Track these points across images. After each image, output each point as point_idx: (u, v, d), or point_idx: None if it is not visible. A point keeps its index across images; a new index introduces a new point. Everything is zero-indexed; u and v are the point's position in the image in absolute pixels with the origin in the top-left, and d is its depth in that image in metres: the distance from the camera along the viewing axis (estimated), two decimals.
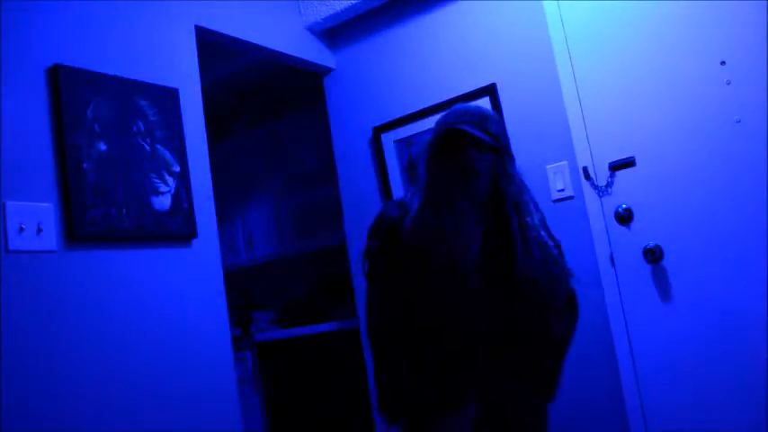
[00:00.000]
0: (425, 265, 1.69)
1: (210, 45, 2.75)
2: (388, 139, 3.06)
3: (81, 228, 1.97)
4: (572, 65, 2.58)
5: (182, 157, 2.32)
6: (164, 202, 2.23)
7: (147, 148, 2.23)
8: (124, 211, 2.10)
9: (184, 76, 2.45)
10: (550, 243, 1.78)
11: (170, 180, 2.27)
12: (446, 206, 1.70)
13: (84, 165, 2.03)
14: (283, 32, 3.02)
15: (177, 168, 2.30)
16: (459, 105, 1.85)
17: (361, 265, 1.85)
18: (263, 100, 4.70)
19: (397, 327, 1.76)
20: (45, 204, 1.93)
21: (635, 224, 2.44)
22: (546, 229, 1.84)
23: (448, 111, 1.82)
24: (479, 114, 1.77)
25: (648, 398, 2.40)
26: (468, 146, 1.72)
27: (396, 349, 1.75)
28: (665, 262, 2.39)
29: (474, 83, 2.83)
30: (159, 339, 2.13)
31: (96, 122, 2.09)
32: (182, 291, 2.24)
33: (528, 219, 1.73)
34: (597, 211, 2.52)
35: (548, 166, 2.64)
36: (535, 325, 1.72)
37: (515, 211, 1.72)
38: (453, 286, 1.67)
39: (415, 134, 2.96)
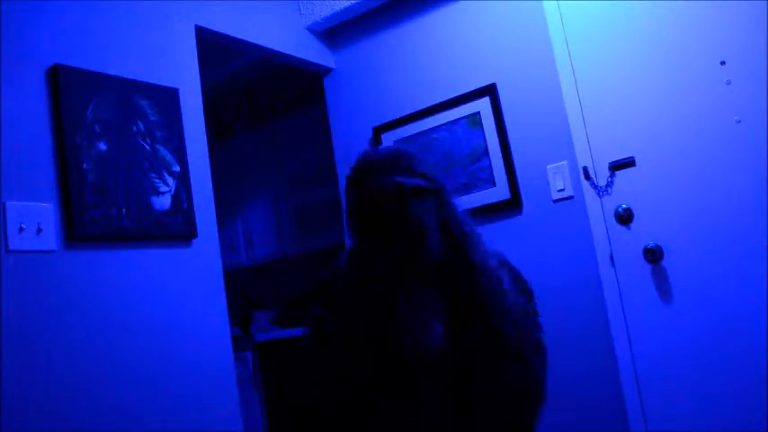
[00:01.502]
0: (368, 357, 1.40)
1: (210, 45, 2.74)
2: (388, 139, 3.06)
3: (81, 228, 1.97)
4: (572, 65, 2.58)
5: (182, 157, 2.32)
6: (164, 202, 2.23)
7: (147, 148, 2.23)
8: (124, 210, 2.10)
9: (184, 76, 2.45)
10: (520, 300, 1.51)
11: (170, 180, 2.27)
12: (394, 283, 1.39)
13: (84, 165, 2.03)
14: (283, 32, 3.02)
15: (177, 168, 2.30)
16: (368, 154, 1.49)
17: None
18: (263, 100, 4.70)
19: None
20: (45, 204, 1.93)
21: (635, 224, 2.44)
22: (506, 267, 1.55)
23: (355, 165, 1.48)
24: (399, 156, 1.46)
25: (648, 398, 2.40)
26: (407, 199, 1.38)
27: None
28: (665, 262, 2.38)
29: (474, 83, 2.83)
30: (159, 339, 2.13)
31: (96, 122, 2.09)
32: (182, 291, 2.24)
33: (495, 273, 1.45)
34: (597, 211, 2.52)
35: (548, 166, 2.64)
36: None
37: (481, 266, 1.43)
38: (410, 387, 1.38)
39: (415, 134, 2.96)
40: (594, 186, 2.52)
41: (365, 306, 1.40)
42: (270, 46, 2.92)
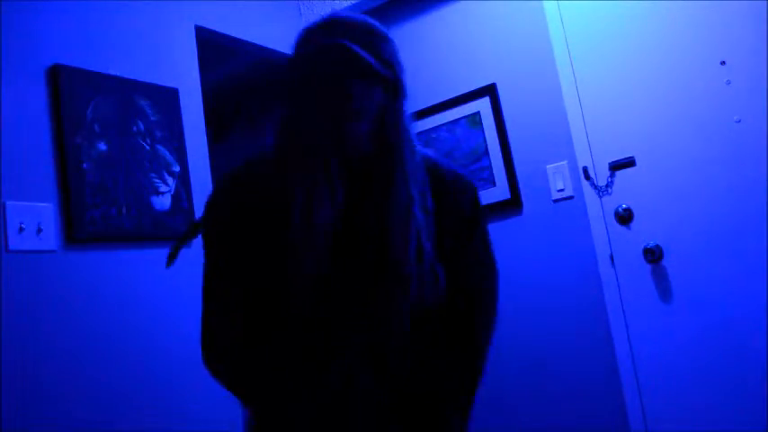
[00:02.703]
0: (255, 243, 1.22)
1: (210, 45, 2.74)
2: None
3: (81, 228, 1.97)
4: (572, 65, 2.58)
5: (182, 157, 2.32)
6: (164, 202, 2.23)
7: (147, 147, 2.23)
8: (124, 210, 2.10)
9: (184, 76, 2.45)
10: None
11: (170, 180, 2.27)
12: (298, 167, 1.18)
13: (84, 165, 2.03)
14: (283, 32, 3.02)
15: (177, 168, 2.30)
16: (338, 13, 1.25)
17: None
18: (263, 100, 4.69)
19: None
20: (45, 204, 1.93)
21: (635, 224, 2.44)
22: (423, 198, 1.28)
23: (320, 19, 1.24)
24: (368, 29, 1.21)
25: (648, 398, 2.40)
26: (350, 73, 1.15)
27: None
28: (665, 262, 2.39)
29: (474, 83, 2.83)
30: (159, 339, 2.13)
31: (96, 122, 2.09)
32: (182, 291, 2.24)
33: (413, 192, 1.22)
34: (597, 210, 2.52)
35: (548, 166, 2.64)
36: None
37: (402, 180, 1.21)
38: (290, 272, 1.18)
39: (416, 134, 2.96)
40: (594, 186, 2.52)
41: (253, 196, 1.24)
42: (270, 46, 2.92)
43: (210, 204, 1.34)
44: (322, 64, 1.17)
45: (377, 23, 1.25)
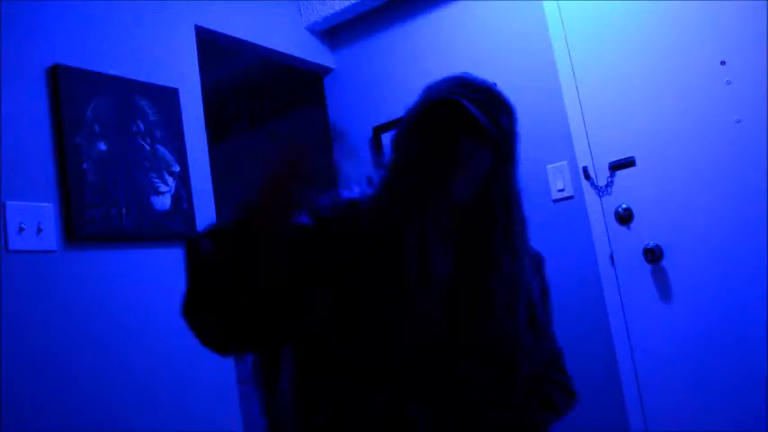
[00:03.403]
0: (363, 275, 1.12)
1: (210, 45, 2.74)
2: (389, 139, 3.05)
3: (81, 228, 1.97)
4: (572, 65, 2.58)
5: (182, 157, 2.32)
6: (164, 201, 2.23)
7: (147, 147, 2.23)
8: (124, 210, 2.10)
9: (184, 76, 2.45)
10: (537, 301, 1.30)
11: (170, 180, 2.27)
12: (415, 201, 1.13)
13: (84, 164, 2.03)
14: (283, 32, 3.02)
15: (177, 168, 2.30)
16: (464, 73, 1.22)
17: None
18: (263, 100, 4.70)
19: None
20: (45, 204, 1.93)
21: (635, 224, 2.44)
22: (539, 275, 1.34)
23: (446, 78, 1.23)
24: (489, 93, 1.19)
25: (648, 398, 2.39)
26: (462, 129, 1.13)
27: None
28: (665, 262, 2.38)
29: None
30: (159, 339, 2.12)
31: (96, 122, 2.09)
32: (182, 291, 2.24)
33: (522, 262, 1.22)
34: (597, 210, 2.52)
35: (548, 166, 2.64)
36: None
37: (506, 243, 1.19)
38: (401, 310, 1.10)
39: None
40: (594, 186, 2.52)
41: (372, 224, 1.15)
42: (270, 46, 2.92)
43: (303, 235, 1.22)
44: (433, 117, 1.15)
45: (502, 92, 1.23)
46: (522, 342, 1.18)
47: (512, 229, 1.21)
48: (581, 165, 2.55)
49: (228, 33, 2.71)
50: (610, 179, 2.50)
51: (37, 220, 1.90)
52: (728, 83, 2.28)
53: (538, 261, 1.36)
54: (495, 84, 1.23)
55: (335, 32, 3.25)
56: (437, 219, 1.14)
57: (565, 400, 1.30)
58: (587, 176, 2.53)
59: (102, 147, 2.10)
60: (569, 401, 1.31)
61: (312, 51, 3.16)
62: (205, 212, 2.39)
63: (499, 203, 1.19)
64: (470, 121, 1.12)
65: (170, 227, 2.22)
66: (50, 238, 1.92)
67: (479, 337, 1.15)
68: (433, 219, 1.13)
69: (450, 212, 1.16)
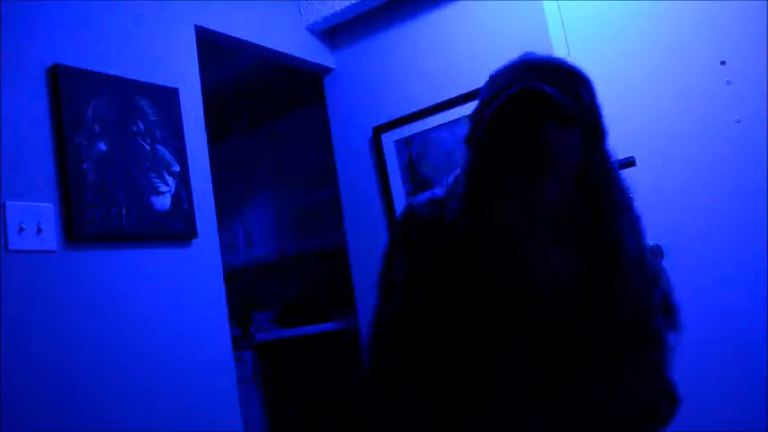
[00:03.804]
0: (480, 296, 1.10)
1: (210, 45, 2.74)
2: (389, 139, 3.05)
3: (81, 228, 1.97)
4: None
5: (182, 157, 2.32)
6: (164, 201, 2.23)
7: (147, 147, 2.23)
8: (124, 210, 2.10)
9: (184, 76, 2.45)
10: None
11: (170, 180, 2.27)
12: (516, 202, 1.08)
13: (84, 164, 2.03)
14: (283, 32, 3.02)
15: (177, 168, 2.30)
16: (530, 55, 1.17)
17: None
18: (263, 100, 4.70)
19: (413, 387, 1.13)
20: (45, 204, 1.93)
21: None
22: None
23: (510, 63, 1.17)
24: (564, 70, 1.13)
25: None
26: (547, 117, 1.05)
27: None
28: (665, 262, 2.38)
29: (474, 83, 2.80)
30: (159, 339, 2.13)
31: (96, 122, 2.09)
32: (182, 291, 2.24)
33: (642, 239, 1.17)
34: None
35: None
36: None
37: (620, 224, 1.13)
38: (532, 332, 1.07)
39: (416, 134, 2.96)
40: None
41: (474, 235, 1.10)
42: (270, 46, 2.92)
43: (404, 231, 1.22)
44: (513, 109, 1.07)
45: (574, 64, 1.15)
46: (657, 315, 1.15)
47: (622, 203, 1.16)
48: None
49: (228, 33, 2.71)
50: None
51: (37, 220, 1.89)
52: (728, 83, 2.28)
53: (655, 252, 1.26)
54: (562, 59, 1.17)
55: (335, 32, 3.25)
56: (542, 218, 1.09)
57: (668, 406, 1.27)
58: None
59: (102, 147, 2.10)
60: (672, 407, 1.27)
61: (312, 51, 3.16)
62: (205, 212, 2.39)
63: (603, 181, 1.13)
64: (555, 105, 1.04)
65: (170, 227, 2.22)
66: (50, 238, 1.92)
67: (614, 308, 1.10)
68: (538, 219, 1.09)
69: (555, 208, 1.10)
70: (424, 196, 1.26)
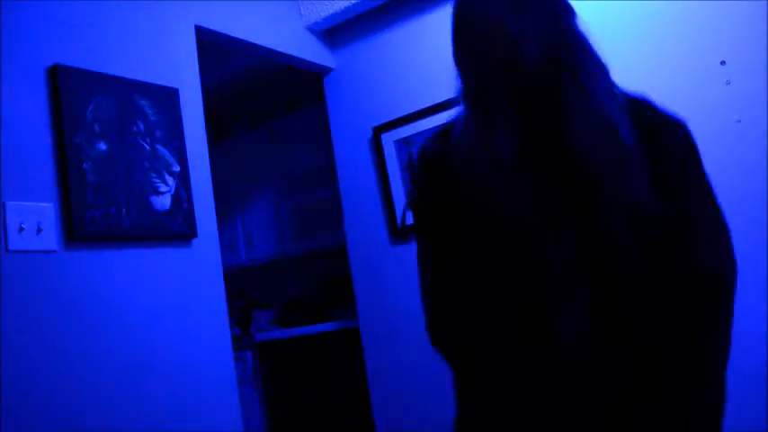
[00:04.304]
0: (476, 218, 1.12)
1: (210, 45, 2.75)
2: (389, 139, 3.05)
3: (81, 227, 1.97)
4: None
5: (182, 157, 2.32)
6: (164, 201, 2.23)
7: (147, 147, 2.23)
8: (124, 210, 2.10)
9: (184, 76, 2.45)
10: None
11: (170, 180, 2.27)
12: (481, 113, 1.17)
13: (85, 165, 2.03)
14: (283, 32, 3.02)
15: (177, 168, 2.30)
16: None
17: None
18: (263, 100, 4.70)
19: (460, 323, 1.13)
20: (45, 204, 1.93)
21: None
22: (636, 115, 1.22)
23: None
24: None
25: None
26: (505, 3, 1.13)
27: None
28: None
29: None
30: (159, 339, 2.13)
31: (96, 122, 2.09)
32: (182, 290, 2.24)
33: (613, 113, 1.18)
34: None
35: None
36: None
37: (595, 96, 1.18)
38: (512, 254, 1.07)
39: (415, 134, 2.96)
40: None
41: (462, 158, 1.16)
42: (270, 46, 2.92)
43: (425, 170, 1.29)
44: (477, 4, 1.17)
45: None
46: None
47: (585, 70, 1.21)
48: None
49: (228, 33, 2.71)
50: None
51: (37, 220, 1.90)
52: (728, 83, 2.28)
53: (632, 104, 1.26)
54: None
55: (335, 32, 3.25)
56: (498, 98, 1.15)
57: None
58: None
59: (103, 147, 2.10)
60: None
61: (312, 51, 3.16)
62: (205, 212, 2.39)
63: (563, 51, 1.20)
64: None
65: (170, 227, 2.22)
66: (50, 238, 1.92)
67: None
68: (495, 101, 1.15)
69: (513, 91, 1.16)
70: (432, 132, 1.33)
